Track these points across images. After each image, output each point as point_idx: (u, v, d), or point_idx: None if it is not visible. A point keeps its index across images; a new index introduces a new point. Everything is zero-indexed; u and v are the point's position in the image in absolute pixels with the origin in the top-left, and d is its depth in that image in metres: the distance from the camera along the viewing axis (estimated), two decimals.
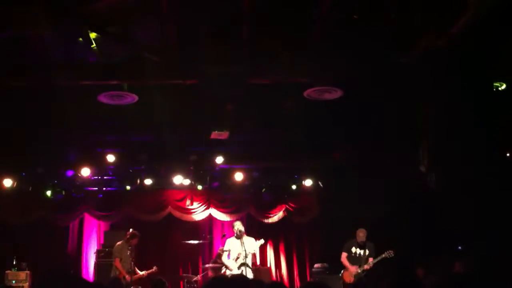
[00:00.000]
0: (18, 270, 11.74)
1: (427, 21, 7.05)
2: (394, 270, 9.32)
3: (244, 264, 10.13)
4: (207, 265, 11.80)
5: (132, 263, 10.96)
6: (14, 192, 12.06)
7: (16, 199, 12.24)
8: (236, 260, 10.28)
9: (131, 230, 11.10)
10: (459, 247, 10.76)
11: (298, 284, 12.96)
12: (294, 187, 12.97)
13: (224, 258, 10.52)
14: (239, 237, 10.38)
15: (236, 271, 10.06)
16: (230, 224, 11.21)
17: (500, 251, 7.98)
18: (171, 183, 12.58)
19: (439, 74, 7.18)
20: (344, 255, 11.08)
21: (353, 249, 11.03)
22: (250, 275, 9.98)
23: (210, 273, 11.52)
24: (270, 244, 13.17)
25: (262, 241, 10.55)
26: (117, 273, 10.65)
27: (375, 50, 7.85)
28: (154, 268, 11.25)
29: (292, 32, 7.68)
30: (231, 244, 10.50)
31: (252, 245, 10.38)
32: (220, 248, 11.09)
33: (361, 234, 10.98)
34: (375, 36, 7.39)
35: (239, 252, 10.27)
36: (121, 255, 10.86)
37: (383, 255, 10.74)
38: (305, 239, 13.44)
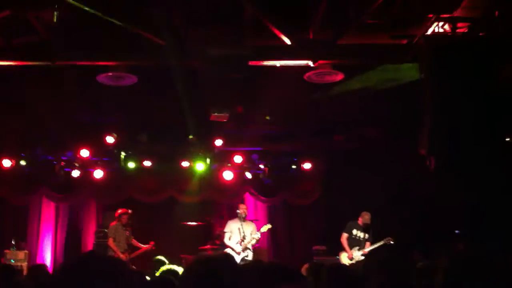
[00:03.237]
0: (17, 249, 11.82)
1: (430, 3, 7.02)
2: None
3: (247, 247, 10.29)
4: (206, 246, 11.85)
5: (130, 241, 11.15)
6: (14, 172, 12.11)
7: (15, 179, 12.27)
8: (240, 243, 10.38)
9: (119, 210, 11.24)
10: (457, 231, 10.83)
11: (297, 266, 13.01)
12: (293, 170, 12.97)
13: (226, 240, 10.62)
14: (242, 220, 10.48)
15: (242, 254, 10.21)
16: (229, 206, 11.25)
17: (500, 234, 8.03)
18: (171, 165, 12.58)
19: (442, 58, 7.16)
20: (344, 235, 11.07)
21: (355, 231, 11.05)
22: (251, 257, 10.17)
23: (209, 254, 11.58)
24: (272, 226, 13.20)
25: (269, 226, 10.69)
26: (113, 253, 10.77)
27: (377, 32, 7.82)
28: (151, 244, 11.43)
29: (293, 14, 7.65)
30: (233, 226, 10.60)
31: (255, 229, 10.51)
32: (221, 230, 11.18)
33: (367, 217, 10.98)
34: (377, 18, 7.37)
35: (243, 235, 10.38)
36: (115, 235, 11.04)
37: (382, 242, 10.76)
38: (304, 222, 13.46)
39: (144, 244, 11.49)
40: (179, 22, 8.06)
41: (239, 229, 10.51)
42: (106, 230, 11.64)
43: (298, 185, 13.24)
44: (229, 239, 10.61)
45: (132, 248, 11.35)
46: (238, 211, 10.73)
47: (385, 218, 11.11)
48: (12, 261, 11.36)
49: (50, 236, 12.82)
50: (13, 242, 11.97)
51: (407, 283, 4.33)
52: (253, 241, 10.40)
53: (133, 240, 11.40)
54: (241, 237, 10.40)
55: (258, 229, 10.79)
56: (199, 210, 13.02)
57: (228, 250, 10.44)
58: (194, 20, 7.81)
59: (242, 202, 11.56)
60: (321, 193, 13.10)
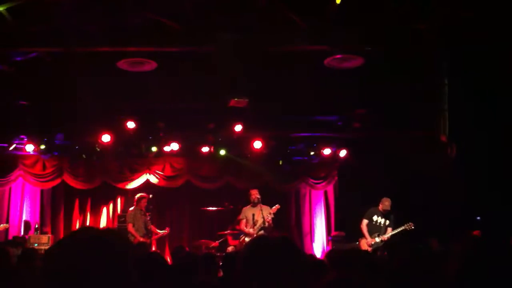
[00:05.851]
0: (40, 233, 12.02)
1: None
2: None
3: (262, 230, 10.36)
4: (225, 232, 11.90)
5: (149, 225, 11.26)
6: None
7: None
8: (253, 227, 10.46)
9: (138, 194, 11.34)
10: (478, 218, 10.69)
11: (316, 253, 13.01)
12: (312, 156, 12.91)
13: (242, 226, 10.74)
14: (255, 204, 10.56)
15: None
16: (247, 192, 11.28)
17: None
18: (190, 151, 12.61)
19: (459, 43, 7.05)
20: (364, 222, 11.00)
21: (375, 217, 10.97)
22: None
23: (229, 239, 11.63)
24: (288, 212, 13.19)
25: (278, 206, 10.74)
26: (133, 238, 10.86)
27: (396, 18, 7.71)
28: (167, 229, 11.53)
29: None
30: (247, 212, 10.71)
31: (269, 212, 10.57)
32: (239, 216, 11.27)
33: (387, 203, 10.91)
34: (395, 3, 7.27)
35: (256, 219, 10.45)
36: (134, 220, 11.13)
37: (403, 227, 10.68)
38: (323, 208, 13.41)
39: (160, 229, 11.59)
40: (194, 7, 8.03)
41: (253, 214, 10.62)
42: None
43: (316, 172, 13.18)
44: (244, 225, 10.73)
45: (151, 233, 11.45)
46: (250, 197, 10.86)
47: (400, 204, 11.02)
48: (36, 245, 11.55)
49: None
50: (36, 226, 12.19)
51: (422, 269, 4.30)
52: (266, 224, 10.47)
53: (151, 225, 11.51)
54: (253, 222, 10.52)
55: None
56: (219, 196, 13.05)
57: (243, 236, 10.62)
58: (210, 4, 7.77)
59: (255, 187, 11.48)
60: (339, 179, 13.03)
